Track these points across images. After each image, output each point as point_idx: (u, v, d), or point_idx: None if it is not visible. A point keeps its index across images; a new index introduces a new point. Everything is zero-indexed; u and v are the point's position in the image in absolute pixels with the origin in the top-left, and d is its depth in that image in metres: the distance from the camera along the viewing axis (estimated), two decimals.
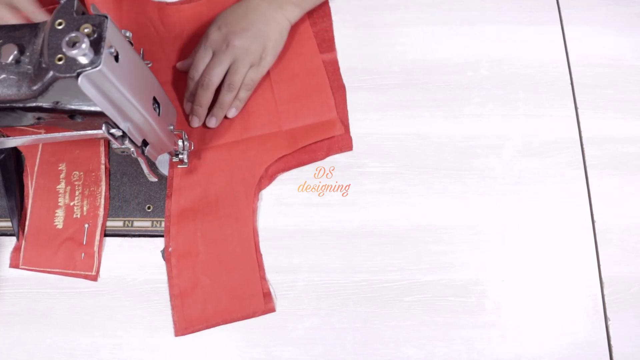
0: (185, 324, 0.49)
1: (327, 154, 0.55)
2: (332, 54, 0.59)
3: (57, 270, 0.51)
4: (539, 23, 0.61)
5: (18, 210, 0.52)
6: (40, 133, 0.52)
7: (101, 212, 0.52)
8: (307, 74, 0.58)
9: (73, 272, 0.51)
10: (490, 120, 0.56)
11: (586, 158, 0.54)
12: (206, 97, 0.54)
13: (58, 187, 0.53)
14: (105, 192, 0.53)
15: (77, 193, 0.52)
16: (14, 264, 0.51)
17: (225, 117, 0.56)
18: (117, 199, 0.54)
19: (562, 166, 0.54)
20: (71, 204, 0.52)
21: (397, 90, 0.58)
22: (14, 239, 0.52)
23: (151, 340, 0.49)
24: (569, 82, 0.58)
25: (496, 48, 0.59)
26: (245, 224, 0.52)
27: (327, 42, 0.59)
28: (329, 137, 0.55)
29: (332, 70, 0.58)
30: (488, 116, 0.56)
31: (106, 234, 0.52)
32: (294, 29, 0.58)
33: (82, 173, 0.53)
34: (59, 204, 0.52)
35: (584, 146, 0.55)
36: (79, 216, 0.52)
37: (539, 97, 0.57)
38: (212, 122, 0.55)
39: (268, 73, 0.57)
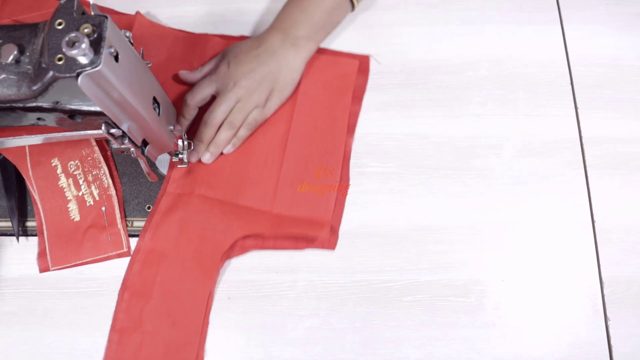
0: None
1: (308, 247, 0.51)
2: (357, 106, 0.57)
3: (89, 259, 0.51)
4: (539, 23, 0.61)
5: (18, 210, 0.52)
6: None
7: (112, 191, 0.52)
8: (326, 140, 0.55)
9: (104, 256, 0.51)
10: (490, 120, 0.56)
11: (586, 158, 0.54)
12: (208, 134, 0.53)
13: (60, 183, 0.52)
14: (109, 171, 0.53)
15: (81, 182, 0.52)
16: (44, 268, 0.51)
17: (221, 153, 0.54)
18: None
19: (562, 166, 0.54)
20: (80, 194, 0.52)
21: (397, 90, 0.58)
22: (14, 239, 0.52)
23: None
24: (569, 82, 0.58)
25: (496, 48, 0.59)
26: (203, 285, 0.50)
27: (355, 98, 0.57)
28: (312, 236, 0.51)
29: (350, 125, 0.56)
30: (488, 116, 0.56)
31: None
32: (338, 70, 0.58)
33: (77, 161, 0.53)
34: (68, 198, 0.52)
35: (584, 146, 0.55)
36: (92, 203, 0.52)
37: (539, 97, 0.57)
38: (206, 158, 0.53)
39: (290, 114, 0.55)
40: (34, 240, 0.52)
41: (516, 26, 0.60)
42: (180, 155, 0.53)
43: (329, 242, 0.51)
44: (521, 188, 0.53)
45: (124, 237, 0.51)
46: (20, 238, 0.52)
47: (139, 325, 0.48)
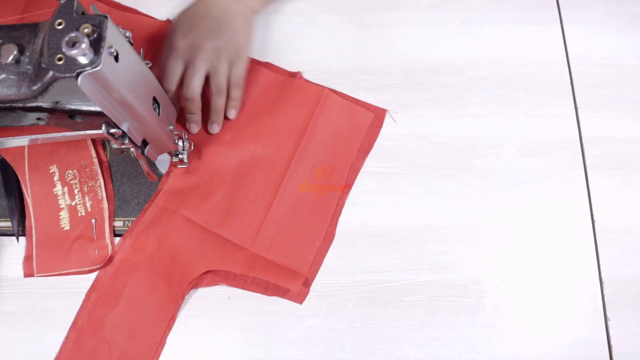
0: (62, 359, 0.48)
1: (276, 296, 0.50)
2: (360, 162, 0.55)
3: (74, 270, 0.50)
4: (539, 23, 0.61)
5: (18, 210, 0.52)
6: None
7: (105, 205, 0.52)
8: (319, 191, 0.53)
9: (89, 268, 0.50)
10: (490, 120, 0.56)
11: (586, 158, 0.54)
12: (194, 106, 0.52)
13: (55, 190, 0.52)
14: (105, 184, 0.53)
15: (76, 192, 0.52)
16: (28, 273, 0.50)
17: (227, 118, 0.55)
18: (117, 199, 0.54)
19: (562, 166, 0.54)
20: (73, 203, 0.52)
21: (397, 90, 0.58)
22: (14, 239, 0.52)
23: None
24: (569, 82, 0.58)
25: (496, 48, 0.59)
26: (168, 307, 0.49)
27: (361, 152, 0.55)
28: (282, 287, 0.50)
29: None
30: (488, 116, 0.56)
31: None
32: (352, 118, 0.55)
33: (75, 171, 0.53)
34: (61, 206, 0.52)
35: (584, 146, 0.55)
36: (84, 214, 0.52)
37: (539, 97, 0.57)
38: (215, 128, 0.54)
39: (292, 153, 0.53)
40: None
41: (516, 26, 0.60)
42: (180, 155, 0.53)
43: (299, 295, 0.50)
44: (521, 188, 0.53)
45: (110, 252, 0.51)
46: (20, 238, 0.52)
47: (99, 329, 0.48)
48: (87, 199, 0.52)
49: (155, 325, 0.49)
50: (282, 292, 0.50)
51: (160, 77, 0.52)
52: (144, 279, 0.50)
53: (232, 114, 0.55)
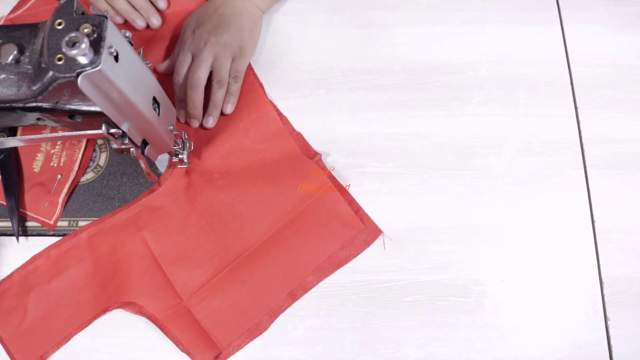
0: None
1: (184, 352, 0.48)
2: (331, 268, 0.51)
3: (21, 210, 0.52)
4: (539, 23, 0.60)
5: (18, 210, 0.52)
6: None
7: (76, 166, 0.53)
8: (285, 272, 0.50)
9: (34, 215, 0.52)
10: (490, 120, 0.56)
11: (586, 158, 0.54)
12: (197, 96, 0.54)
13: (44, 131, 0.53)
14: (84, 149, 0.54)
15: (59, 142, 0.54)
16: None
17: (223, 114, 0.55)
18: (117, 199, 0.54)
19: (562, 166, 0.54)
20: (51, 151, 0.54)
21: (397, 90, 0.58)
22: (13, 239, 0.52)
23: (150, 340, 0.49)
24: (569, 82, 0.58)
25: (496, 48, 0.59)
26: (88, 311, 0.49)
27: (335, 259, 0.51)
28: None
29: None
30: (488, 116, 0.56)
31: None
32: (343, 218, 0.51)
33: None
34: (41, 148, 0.54)
35: (584, 146, 0.55)
36: (55, 165, 0.53)
37: (539, 97, 0.57)
38: (210, 122, 0.55)
39: (270, 226, 0.51)
40: (34, 240, 0.52)
41: (516, 26, 0.60)
42: (180, 155, 0.53)
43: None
44: (521, 188, 0.53)
45: (58, 211, 0.52)
46: (20, 238, 0.52)
47: (24, 295, 0.50)
48: (64, 153, 0.53)
49: (69, 320, 0.49)
50: (191, 355, 0.48)
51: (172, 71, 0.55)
52: (82, 274, 0.50)
53: (228, 108, 0.55)
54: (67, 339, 0.49)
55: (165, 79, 0.58)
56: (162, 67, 0.58)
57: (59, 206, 0.52)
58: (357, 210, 0.52)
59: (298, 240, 0.50)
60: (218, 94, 0.54)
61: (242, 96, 0.56)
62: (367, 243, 0.51)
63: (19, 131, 0.54)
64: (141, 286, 0.50)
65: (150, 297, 0.49)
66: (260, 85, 0.57)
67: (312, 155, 0.53)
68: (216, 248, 0.51)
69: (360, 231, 0.51)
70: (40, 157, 0.53)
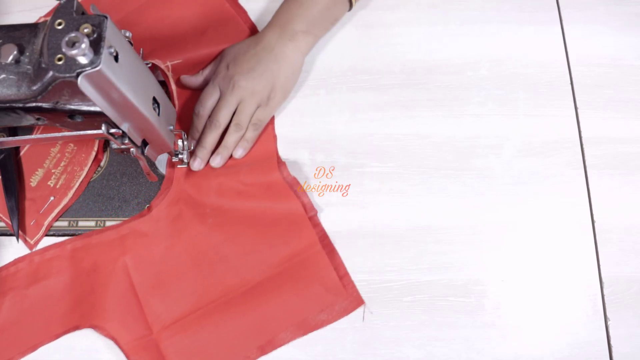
0: None
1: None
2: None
3: (7, 220, 0.52)
4: (539, 23, 0.60)
5: (18, 210, 0.52)
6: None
7: (70, 193, 0.53)
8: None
9: (13, 227, 0.52)
10: (490, 120, 0.56)
11: (586, 158, 0.54)
12: (212, 137, 0.52)
13: (52, 149, 0.54)
14: (82, 178, 0.53)
15: (62, 164, 0.53)
16: None
17: (231, 157, 0.54)
18: (117, 199, 0.54)
19: (562, 166, 0.54)
20: (52, 170, 0.53)
21: (397, 90, 0.58)
22: (13, 239, 0.52)
23: None
24: (569, 82, 0.58)
25: (496, 48, 0.59)
26: (58, 325, 0.49)
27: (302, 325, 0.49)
28: None
29: None
30: (488, 116, 0.56)
31: None
32: (325, 287, 0.50)
33: (75, 148, 0.54)
34: (44, 164, 0.53)
35: (584, 146, 0.55)
36: (52, 185, 0.53)
37: (539, 97, 0.57)
38: (217, 161, 0.53)
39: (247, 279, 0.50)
40: None
41: (516, 26, 0.60)
42: (180, 155, 0.53)
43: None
44: (521, 188, 0.53)
45: (40, 233, 0.52)
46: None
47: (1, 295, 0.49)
48: (63, 177, 0.53)
49: (38, 330, 0.48)
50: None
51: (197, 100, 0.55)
52: (60, 286, 0.50)
53: (238, 152, 0.53)
54: (33, 348, 0.48)
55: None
56: (190, 82, 0.56)
57: (43, 228, 0.52)
58: (344, 275, 0.50)
59: (278, 296, 0.49)
60: (232, 137, 0.53)
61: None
62: (347, 311, 0.49)
63: (38, 130, 0.54)
64: (113, 312, 0.49)
65: (120, 324, 0.48)
66: (274, 136, 0.55)
67: (309, 210, 0.52)
68: (195, 286, 0.50)
69: (342, 299, 0.49)
70: (40, 172, 0.53)
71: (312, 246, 0.50)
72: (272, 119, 0.56)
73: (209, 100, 0.54)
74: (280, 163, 0.53)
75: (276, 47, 0.54)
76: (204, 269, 0.50)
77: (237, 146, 0.54)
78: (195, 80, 0.56)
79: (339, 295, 0.49)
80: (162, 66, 0.56)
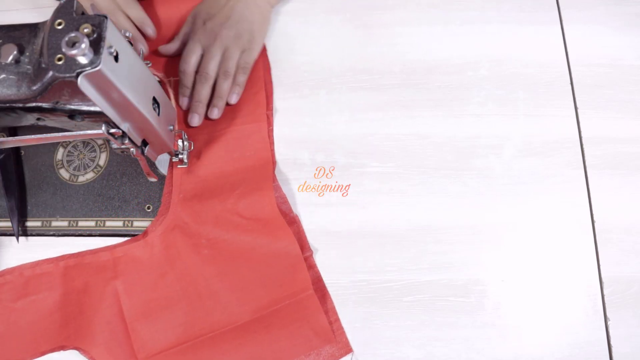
0: None
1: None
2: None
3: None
4: (539, 23, 0.60)
5: (18, 210, 0.52)
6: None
7: None
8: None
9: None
10: (490, 120, 0.56)
11: (586, 158, 0.54)
12: (205, 90, 0.54)
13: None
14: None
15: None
16: None
17: (228, 104, 0.56)
18: (117, 199, 0.54)
19: (562, 166, 0.54)
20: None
21: (397, 90, 0.58)
22: (13, 239, 0.52)
23: None
24: (569, 82, 0.58)
25: (496, 48, 0.59)
26: (44, 342, 0.48)
27: None
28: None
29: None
30: (488, 116, 0.56)
31: (106, 234, 0.53)
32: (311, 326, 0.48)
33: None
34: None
35: (584, 146, 0.55)
36: None
37: (539, 97, 0.57)
38: (215, 113, 0.55)
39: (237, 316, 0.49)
40: (33, 240, 0.52)
41: (516, 26, 0.60)
42: (180, 155, 0.53)
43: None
44: (521, 188, 0.53)
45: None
46: (20, 238, 0.52)
47: None
48: None
49: (24, 345, 0.48)
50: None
51: (180, 59, 0.56)
52: (49, 302, 0.49)
53: (233, 98, 0.56)
54: None
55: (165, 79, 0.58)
56: (169, 49, 0.58)
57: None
58: (334, 321, 0.49)
59: (266, 336, 0.48)
60: (224, 85, 0.55)
61: (249, 164, 0.53)
62: (334, 357, 0.48)
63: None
64: (100, 336, 0.48)
65: (106, 349, 0.48)
66: (274, 162, 0.54)
67: (305, 250, 0.51)
68: (184, 317, 0.48)
69: (331, 345, 0.48)
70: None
71: (305, 290, 0.49)
72: (272, 144, 0.55)
73: (193, 56, 0.55)
74: (277, 191, 0.53)
75: None
76: (194, 302, 0.49)
77: (230, 92, 0.55)
78: (172, 46, 0.58)
79: (328, 341, 0.48)
80: (165, 80, 0.57)
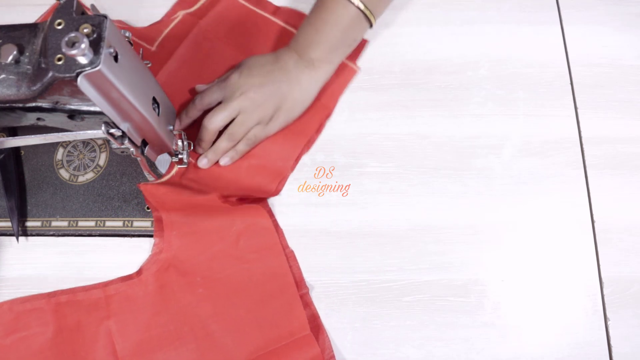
0: None
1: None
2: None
3: None
4: (539, 23, 0.61)
5: (18, 210, 0.52)
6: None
7: None
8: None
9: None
10: (490, 120, 0.56)
11: (586, 158, 0.54)
12: (208, 137, 0.52)
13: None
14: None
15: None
16: None
17: (217, 163, 0.54)
18: (117, 199, 0.54)
19: (561, 166, 0.54)
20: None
21: (397, 90, 0.58)
22: (13, 239, 0.52)
23: None
24: (569, 82, 0.58)
25: (496, 48, 0.59)
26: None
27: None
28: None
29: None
30: (488, 116, 0.56)
31: (106, 234, 0.53)
32: None
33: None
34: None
35: (584, 146, 0.55)
36: None
37: (539, 97, 0.57)
38: (203, 163, 0.53)
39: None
40: (33, 240, 0.52)
41: (516, 26, 0.60)
42: (180, 156, 0.53)
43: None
44: (521, 188, 0.53)
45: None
46: (20, 238, 0.52)
47: None
48: None
49: None
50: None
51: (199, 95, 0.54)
52: (41, 339, 0.48)
53: (224, 160, 0.53)
54: None
55: (164, 80, 0.58)
56: (201, 89, 0.56)
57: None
58: (330, 358, 0.48)
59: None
60: (223, 145, 0.52)
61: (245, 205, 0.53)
62: None
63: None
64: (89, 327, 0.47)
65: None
66: (271, 215, 0.53)
67: (300, 287, 0.50)
68: (178, 358, 0.47)
69: None
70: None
71: (302, 330, 0.48)
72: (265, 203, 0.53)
73: (209, 97, 0.53)
74: (276, 225, 0.52)
75: (293, 71, 0.52)
76: (187, 342, 0.48)
77: (224, 155, 0.53)
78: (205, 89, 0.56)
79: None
80: None
